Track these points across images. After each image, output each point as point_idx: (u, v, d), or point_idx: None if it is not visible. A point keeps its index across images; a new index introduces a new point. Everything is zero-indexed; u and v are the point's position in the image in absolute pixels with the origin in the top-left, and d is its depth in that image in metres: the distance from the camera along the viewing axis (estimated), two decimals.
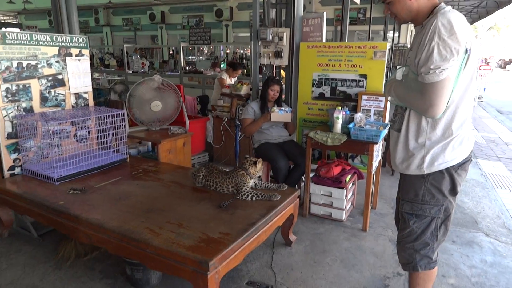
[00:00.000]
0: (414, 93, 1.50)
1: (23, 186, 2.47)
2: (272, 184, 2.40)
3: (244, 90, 4.24)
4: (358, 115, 2.91)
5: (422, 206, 1.62)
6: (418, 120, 1.57)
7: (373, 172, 2.83)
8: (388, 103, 3.10)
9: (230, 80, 5.19)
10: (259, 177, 2.37)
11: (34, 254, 2.47)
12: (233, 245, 1.76)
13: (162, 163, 3.07)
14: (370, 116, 3.09)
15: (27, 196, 2.31)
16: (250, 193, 2.22)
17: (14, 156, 2.66)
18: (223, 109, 4.44)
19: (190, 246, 1.72)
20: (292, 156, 3.18)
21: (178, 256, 1.68)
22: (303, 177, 3.40)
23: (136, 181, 2.59)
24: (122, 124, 2.91)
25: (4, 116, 2.59)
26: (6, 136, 2.61)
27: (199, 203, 2.20)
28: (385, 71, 3.16)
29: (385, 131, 2.82)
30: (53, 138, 2.78)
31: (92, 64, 8.08)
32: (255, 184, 2.32)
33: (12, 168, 2.66)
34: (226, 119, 4.32)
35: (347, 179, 2.97)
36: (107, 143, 2.92)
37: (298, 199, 2.47)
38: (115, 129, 2.90)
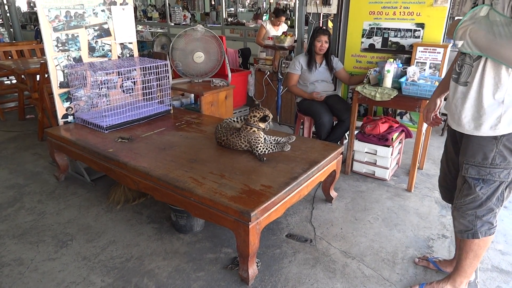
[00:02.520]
0: (505, 40, 1.28)
1: (76, 133, 2.59)
2: (281, 138, 2.38)
3: (288, 42, 4.05)
4: (412, 69, 2.70)
5: (491, 170, 1.48)
6: (497, 72, 1.36)
7: (423, 131, 2.66)
8: (447, 55, 2.82)
9: (275, 30, 4.95)
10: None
11: (88, 197, 2.64)
12: (275, 198, 1.76)
13: (205, 115, 3.09)
14: (424, 70, 2.85)
15: (80, 142, 2.43)
16: (265, 148, 2.21)
17: (66, 104, 2.77)
18: (265, 62, 4.31)
19: (233, 196, 1.74)
20: (337, 112, 3.08)
21: (220, 206, 1.71)
22: (346, 134, 3.32)
23: (179, 132, 2.64)
24: (166, 76, 2.90)
25: (56, 65, 2.67)
26: (58, 85, 2.71)
27: (241, 155, 2.21)
28: (446, 19, 2.84)
29: None
30: (101, 88, 2.84)
31: (135, 17, 8.09)
32: (264, 139, 2.29)
33: (65, 116, 2.78)
34: (268, 73, 4.21)
35: (394, 137, 2.84)
36: (151, 94, 2.95)
37: (341, 155, 2.43)
38: (159, 80, 2.91)
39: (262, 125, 2.21)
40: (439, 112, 1.81)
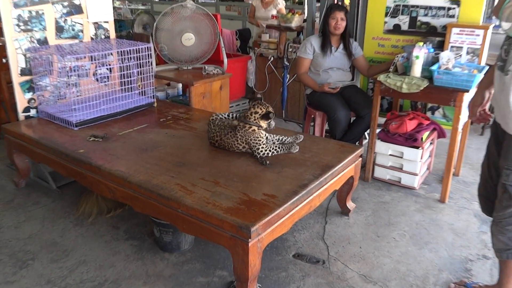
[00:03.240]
0: None
1: (39, 131, 2.58)
2: (287, 137, 2.37)
3: (295, 21, 4.04)
4: (445, 54, 2.69)
5: None
6: None
7: (459, 130, 2.65)
8: (488, 38, 2.81)
9: (262, 10, 4.94)
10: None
11: (53, 207, 2.63)
12: (280, 209, 1.75)
13: (195, 110, 3.08)
14: (460, 55, 2.84)
15: (44, 142, 2.42)
16: (268, 149, 2.21)
17: (28, 95, 2.76)
18: (269, 45, 4.31)
19: (229, 208, 1.73)
20: (355, 106, 3.08)
21: (214, 219, 1.70)
22: (366, 132, 3.32)
23: (164, 129, 2.63)
24: (148, 61, 2.90)
25: (17, 49, 2.66)
26: (19, 72, 2.70)
27: (239, 158, 2.20)
28: None
29: (480, 76, 2.58)
30: (70, 76, 2.84)
31: None
32: (266, 138, 2.28)
33: (27, 109, 2.77)
34: (272, 59, 4.22)
35: (424, 137, 2.83)
36: (131, 84, 2.95)
37: (360, 159, 2.42)
38: (140, 67, 2.90)
39: (263, 123, 2.21)
40: (489, 107, 1.78)
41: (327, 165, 2.13)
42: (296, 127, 4.23)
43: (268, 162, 2.14)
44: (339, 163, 2.18)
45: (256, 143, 2.19)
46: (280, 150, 2.25)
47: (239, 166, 2.11)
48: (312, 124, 3.49)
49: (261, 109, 2.20)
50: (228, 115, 2.44)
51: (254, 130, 2.19)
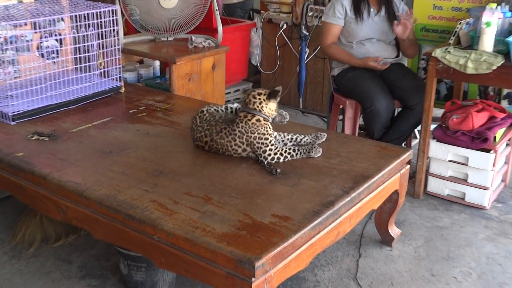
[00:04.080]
0: None
1: None
2: (304, 136, 2.37)
3: None
4: None
5: None
6: None
7: None
8: None
9: None
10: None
11: None
12: (296, 237, 1.74)
13: (178, 97, 3.07)
14: None
15: None
16: (277, 152, 2.21)
17: None
18: (281, 8, 4.31)
19: (224, 234, 1.73)
20: (400, 92, 3.09)
21: (204, 250, 1.69)
22: (417, 130, 3.31)
23: (135, 124, 2.63)
24: (113, 30, 2.90)
25: None
26: None
27: (238, 164, 2.21)
28: None
29: None
30: (5, 51, 2.84)
31: None
32: (275, 137, 2.29)
33: None
34: (284, 26, 4.23)
35: (498, 136, 2.83)
36: (89, 62, 2.95)
37: (407, 166, 2.42)
38: (101, 38, 2.91)
39: (272, 107, 2.24)
40: None
41: (361, 175, 2.13)
42: (318, 121, 4.22)
43: (279, 170, 2.14)
44: (378, 172, 2.18)
45: (262, 143, 2.19)
46: (296, 154, 2.25)
47: (239, 176, 2.11)
48: (340, 117, 3.49)
49: (264, 90, 2.23)
50: (226, 108, 2.43)
51: (259, 121, 2.20)
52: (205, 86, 3.35)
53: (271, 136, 2.21)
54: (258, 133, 2.19)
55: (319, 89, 4.29)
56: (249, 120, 2.19)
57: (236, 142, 2.22)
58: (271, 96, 2.22)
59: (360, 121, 3.26)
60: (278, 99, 2.25)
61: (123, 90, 3.07)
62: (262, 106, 2.21)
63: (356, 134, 3.24)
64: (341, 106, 3.29)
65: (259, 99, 2.21)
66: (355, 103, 3.17)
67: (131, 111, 2.81)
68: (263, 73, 4.58)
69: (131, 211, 1.86)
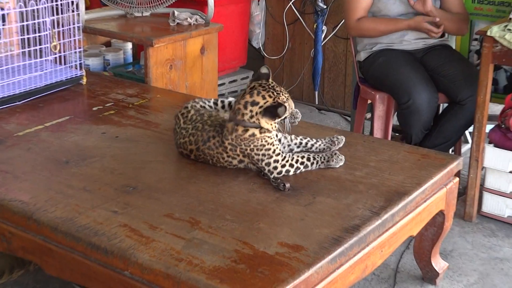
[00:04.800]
0: None
1: None
2: (316, 141, 2.37)
3: None
4: None
5: None
6: None
7: None
8: None
9: None
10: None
11: None
12: (310, 271, 1.73)
13: (156, 90, 3.08)
14: None
15: None
16: (288, 163, 2.21)
17: None
18: None
19: (216, 268, 1.72)
20: (446, 83, 3.10)
21: None
22: (468, 131, 3.33)
23: (101, 126, 2.64)
24: (71, 3, 2.91)
25: None
26: None
27: (235, 178, 2.21)
28: None
29: None
30: None
31: None
32: (280, 140, 2.28)
33: None
34: None
35: None
36: (40, 44, 2.95)
37: (456, 180, 2.42)
38: (56, 14, 2.91)
39: (269, 123, 2.17)
40: None
41: (395, 192, 2.13)
42: (339, 121, 4.21)
43: (287, 185, 2.14)
44: (417, 187, 2.18)
45: (263, 155, 2.18)
46: (312, 164, 2.26)
47: (235, 193, 2.11)
48: (368, 116, 3.48)
49: (264, 96, 2.14)
50: (215, 103, 2.42)
51: (253, 135, 2.18)
52: (192, 76, 3.36)
53: (274, 146, 2.19)
54: (255, 146, 2.18)
55: (340, 79, 4.29)
56: (241, 135, 2.16)
57: (228, 154, 2.22)
58: (267, 113, 2.13)
59: (394, 120, 3.26)
60: (284, 116, 2.16)
61: (84, 81, 3.08)
62: (256, 120, 2.15)
63: (389, 138, 3.24)
64: (369, 101, 3.29)
65: (251, 111, 2.14)
66: (388, 97, 3.17)
67: (95, 109, 2.81)
68: (268, 59, 4.58)
69: (94, 239, 1.85)
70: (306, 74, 4.38)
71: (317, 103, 4.35)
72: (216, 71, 3.48)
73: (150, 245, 1.81)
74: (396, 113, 3.21)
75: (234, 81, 4.42)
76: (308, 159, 2.25)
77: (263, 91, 2.15)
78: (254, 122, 2.15)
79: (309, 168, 2.24)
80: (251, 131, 2.16)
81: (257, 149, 2.18)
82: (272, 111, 2.12)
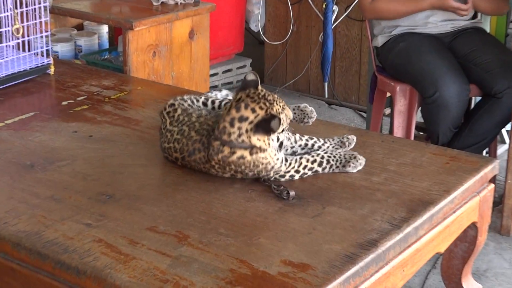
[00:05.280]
0: None
1: None
2: (323, 142, 2.36)
3: None
4: None
5: None
6: None
7: None
8: None
9: None
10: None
11: None
12: None
13: (137, 82, 3.09)
14: None
15: None
16: (293, 169, 2.22)
17: None
18: None
19: None
20: (479, 72, 3.11)
21: None
22: (505, 129, 3.37)
23: (72, 123, 2.65)
24: None
25: None
26: None
27: (230, 184, 2.22)
28: None
29: None
30: None
31: None
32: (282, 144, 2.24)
33: None
34: None
35: None
36: None
37: (491, 187, 2.42)
38: None
39: (261, 140, 2.13)
40: None
41: (419, 201, 2.14)
42: (353, 118, 4.22)
43: (292, 193, 2.14)
44: (445, 195, 2.18)
45: (260, 173, 2.19)
46: (324, 169, 2.26)
47: (231, 203, 2.12)
48: (387, 112, 3.48)
49: (254, 109, 2.09)
50: (205, 103, 2.44)
51: (243, 157, 2.15)
52: (179, 64, 3.37)
53: (271, 164, 2.18)
54: (247, 167, 2.17)
55: (354, 69, 4.30)
56: (227, 156, 2.14)
57: (217, 171, 2.22)
58: (259, 128, 2.09)
59: (417, 117, 3.27)
60: (280, 129, 2.12)
61: (52, 70, 3.09)
62: (246, 138, 2.11)
63: (412, 137, 3.25)
64: (388, 94, 3.29)
65: (239, 129, 2.10)
66: (410, 89, 3.19)
67: (65, 103, 2.82)
68: (268, 44, 4.59)
69: (64, 257, 1.85)
70: (313, 62, 4.39)
71: (326, 96, 4.36)
72: (207, 58, 3.48)
73: (129, 264, 1.81)
74: (420, 108, 3.22)
75: (229, 70, 4.42)
76: (320, 164, 2.25)
77: (252, 103, 2.10)
78: (243, 141, 2.11)
79: (320, 172, 2.26)
80: (239, 152, 2.13)
81: (250, 170, 2.18)
82: (264, 127, 2.08)
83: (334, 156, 2.28)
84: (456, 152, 2.49)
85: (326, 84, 4.28)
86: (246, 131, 2.10)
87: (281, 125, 2.10)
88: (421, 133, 3.35)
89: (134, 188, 2.20)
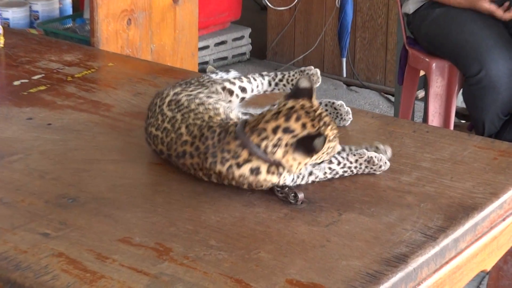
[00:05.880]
0: None
1: None
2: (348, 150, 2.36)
3: None
4: None
5: None
6: None
7: None
8: None
9: None
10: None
11: None
12: None
13: (108, 57, 3.11)
14: None
15: None
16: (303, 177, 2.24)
17: None
18: None
19: None
20: None
21: None
22: None
23: (25, 108, 2.67)
24: None
25: None
26: None
27: (223, 186, 2.22)
28: None
29: None
30: None
31: None
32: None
33: None
34: None
35: None
36: None
37: None
38: None
39: (297, 161, 2.16)
40: None
41: (460, 206, 2.14)
42: (377, 102, 4.23)
43: (300, 196, 2.15)
44: (493, 199, 2.18)
45: (263, 186, 2.22)
46: (345, 172, 2.28)
47: (224, 208, 2.12)
48: (421, 95, 3.47)
49: (305, 125, 2.12)
50: (201, 80, 2.45)
51: (257, 172, 2.17)
52: (160, 35, 3.36)
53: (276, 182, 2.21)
54: (251, 183, 2.20)
55: (378, 41, 4.30)
56: (237, 166, 2.16)
57: (211, 179, 2.24)
58: (301, 146, 2.11)
59: (458, 101, 3.27)
60: (321, 152, 2.14)
61: (1, 42, 3.10)
62: (280, 152, 2.14)
63: (451, 127, 3.26)
64: (422, 73, 3.29)
65: (279, 140, 2.12)
66: (449, 66, 3.19)
67: (17, 83, 2.83)
68: (272, 10, 4.60)
69: (16, 275, 1.84)
70: (328, 33, 4.40)
71: (345, 75, 4.37)
72: (195, 28, 3.48)
73: (97, 284, 1.80)
74: (461, 90, 3.21)
75: (223, 43, 4.43)
76: (346, 167, 2.28)
77: (306, 118, 2.13)
78: (273, 153, 2.13)
79: (341, 173, 2.28)
80: (255, 163, 2.16)
81: (249, 186, 2.21)
82: (307, 144, 2.10)
83: (354, 156, 2.29)
84: (506, 145, 2.50)
85: (344, 60, 4.30)
86: (286, 145, 2.12)
87: (324, 151, 2.13)
88: (463, 121, 3.34)
89: (104, 189, 2.20)
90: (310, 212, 2.10)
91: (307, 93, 2.17)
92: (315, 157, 2.14)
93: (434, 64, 3.20)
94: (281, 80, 2.50)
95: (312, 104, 2.17)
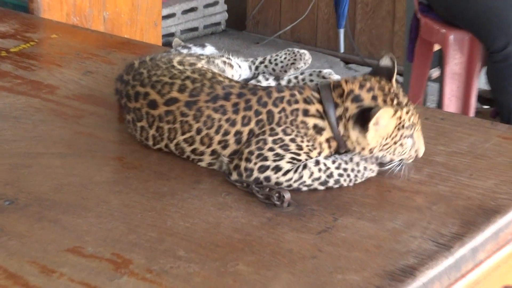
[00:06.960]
0: None
1: None
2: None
3: None
4: None
5: None
6: None
7: None
8: None
9: None
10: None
11: None
12: None
13: (51, 26, 3.12)
14: None
15: None
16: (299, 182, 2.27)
17: None
18: None
19: None
20: None
21: None
22: None
23: None
24: None
25: None
26: None
27: (193, 184, 2.26)
28: None
29: None
30: None
31: None
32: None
33: None
34: None
35: None
36: None
37: None
38: None
39: (355, 132, 2.25)
40: None
41: (480, 209, 2.17)
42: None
43: (287, 196, 2.18)
44: None
45: (267, 152, 2.27)
46: (348, 179, 2.30)
47: (195, 211, 2.15)
48: (435, 74, 3.52)
49: (375, 97, 2.23)
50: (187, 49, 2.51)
51: (296, 108, 2.26)
52: (115, 0, 3.38)
53: (298, 144, 2.27)
54: (281, 121, 2.26)
55: (384, 9, 4.35)
56: (306, 112, 2.25)
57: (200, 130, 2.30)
58: (360, 119, 2.21)
59: (480, 82, 3.32)
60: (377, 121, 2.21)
61: None
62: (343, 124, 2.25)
63: (471, 113, 3.30)
64: (436, 47, 3.33)
65: (346, 109, 2.24)
66: (469, 38, 3.23)
67: None
68: None
69: None
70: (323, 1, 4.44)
71: (342, 50, 4.41)
72: None
73: None
74: (485, 68, 3.27)
75: (192, 10, 4.46)
76: (351, 171, 2.30)
77: (379, 91, 2.24)
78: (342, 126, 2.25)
79: (341, 181, 2.30)
80: (300, 99, 2.26)
81: (277, 126, 2.26)
82: (365, 117, 2.19)
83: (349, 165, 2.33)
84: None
85: (341, 31, 4.33)
86: (349, 118, 2.24)
87: (392, 136, 2.22)
88: (486, 106, 3.38)
89: (48, 189, 2.22)
90: (299, 217, 2.13)
91: (387, 73, 2.28)
92: (380, 139, 2.22)
93: (451, 37, 3.22)
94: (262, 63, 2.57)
95: (390, 84, 2.27)
